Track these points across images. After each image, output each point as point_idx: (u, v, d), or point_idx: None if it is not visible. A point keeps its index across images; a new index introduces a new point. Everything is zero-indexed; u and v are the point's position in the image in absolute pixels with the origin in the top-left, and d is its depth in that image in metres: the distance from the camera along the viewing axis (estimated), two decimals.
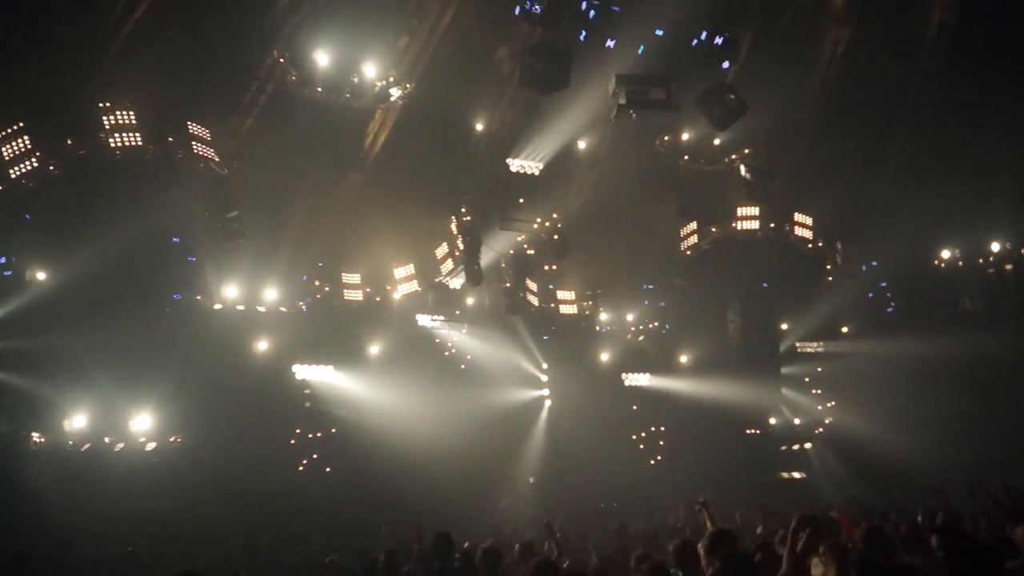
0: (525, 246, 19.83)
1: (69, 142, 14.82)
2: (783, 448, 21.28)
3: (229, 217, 15.94)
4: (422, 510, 12.02)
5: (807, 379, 22.02)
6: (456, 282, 18.77)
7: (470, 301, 19.75)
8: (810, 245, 20.65)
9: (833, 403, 21.74)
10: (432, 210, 18.67)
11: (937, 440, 17.48)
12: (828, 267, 20.84)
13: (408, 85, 16.89)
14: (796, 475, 20.57)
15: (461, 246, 18.05)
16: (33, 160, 14.45)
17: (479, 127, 19.29)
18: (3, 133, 14.39)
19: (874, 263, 22.10)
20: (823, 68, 20.15)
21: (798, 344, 21.90)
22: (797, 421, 21.65)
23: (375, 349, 18.39)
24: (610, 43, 17.38)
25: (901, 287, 21.99)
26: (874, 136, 20.72)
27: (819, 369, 21.99)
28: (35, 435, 13.92)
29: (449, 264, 18.28)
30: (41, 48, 14.22)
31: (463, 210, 18.49)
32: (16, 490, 12.94)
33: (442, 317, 19.21)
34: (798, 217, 20.35)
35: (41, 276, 14.70)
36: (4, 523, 11.80)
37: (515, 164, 19.81)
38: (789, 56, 19.47)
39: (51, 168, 14.67)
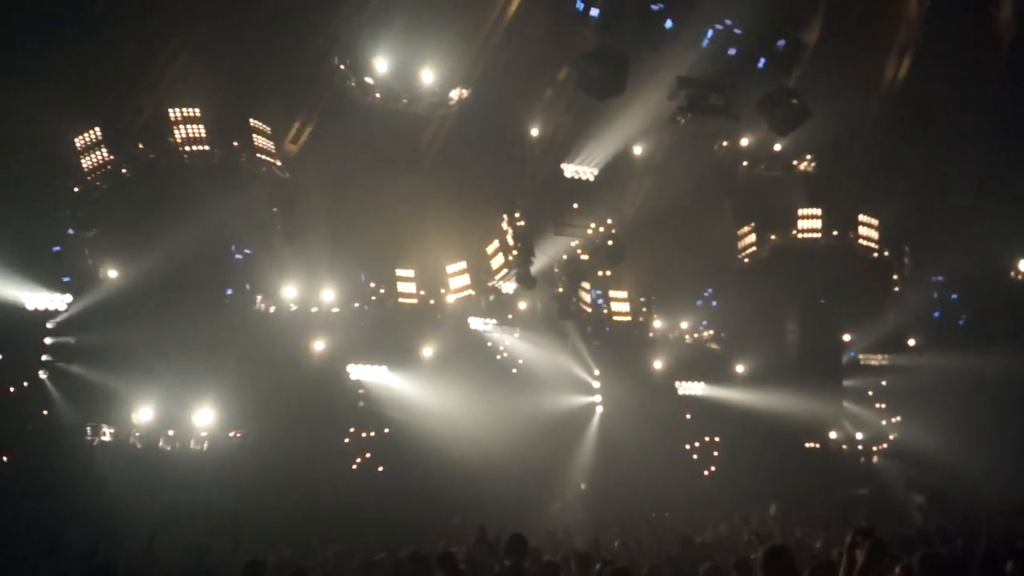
0: (579, 252, 19.72)
1: (140, 146, 15.53)
2: (847, 463, 20.57)
3: (290, 219, 16.35)
4: (472, 512, 12.01)
5: (871, 392, 21.26)
6: (509, 287, 18.79)
7: (522, 306, 19.73)
8: (875, 254, 19.93)
9: (899, 418, 20.93)
10: (486, 214, 18.76)
11: (1009, 459, 16.63)
12: (895, 277, 20.09)
13: (465, 90, 17.01)
14: (860, 491, 19.83)
15: (511, 242, 18.06)
16: (107, 161, 15.23)
17: (534, 132, 19.31)
18: (80, 137, 15.17)
19: (942, 276, 21.23)
20: (892, 69, 19.46)
21: (861, 356, 21.20)
22: (860, 436, 20.91)
23: (428, 351, 18.54)
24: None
25: (973, 299, 21.02)
26: (945, 140, 19.88)
27: (884, 383, 21.22)
28: (104, 427, 14.49)
29: (500, 259, 18.27)
30: (112, 58, 14.95)
31: (517, 215, 18.51)
32: (86, 480, 13.50)
33: (494, 321, 19.25)
34: (863, 218, 19.68)
35: (113, 274, 15.37)
36: (76, 512, 12.27)
37: (569, 169, 19.77)
38: (855, 59, 18.88)
39: (123, 171, 15.37)
